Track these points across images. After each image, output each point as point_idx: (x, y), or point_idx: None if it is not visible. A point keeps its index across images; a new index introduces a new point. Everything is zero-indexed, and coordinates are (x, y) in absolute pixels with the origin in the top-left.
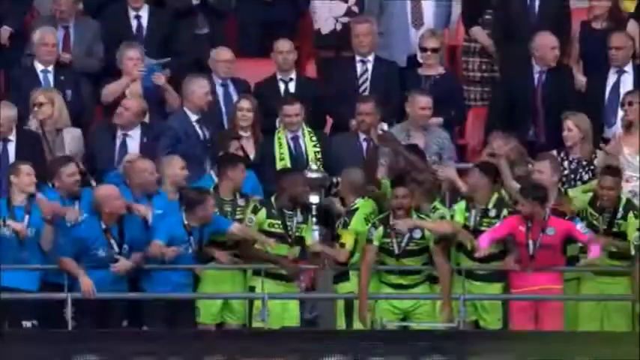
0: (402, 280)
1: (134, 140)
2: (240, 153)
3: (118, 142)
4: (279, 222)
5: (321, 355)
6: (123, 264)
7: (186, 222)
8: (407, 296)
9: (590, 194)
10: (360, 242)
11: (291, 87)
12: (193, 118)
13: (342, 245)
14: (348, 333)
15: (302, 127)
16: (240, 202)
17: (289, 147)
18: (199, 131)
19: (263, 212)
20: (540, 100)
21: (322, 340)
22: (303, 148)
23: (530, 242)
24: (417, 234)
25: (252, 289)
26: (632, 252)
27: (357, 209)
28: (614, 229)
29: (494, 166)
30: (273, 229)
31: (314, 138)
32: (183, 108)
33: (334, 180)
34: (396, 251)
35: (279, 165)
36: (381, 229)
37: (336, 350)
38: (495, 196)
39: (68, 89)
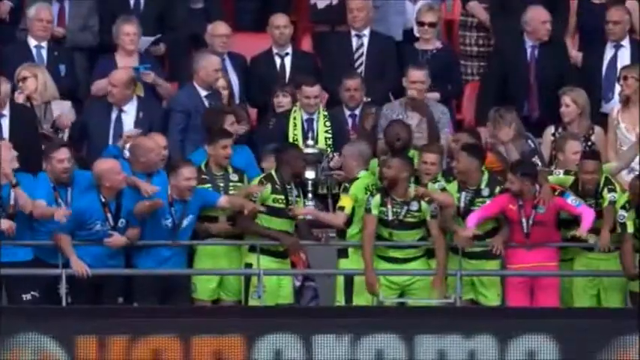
0: (397, 253)
1: (129, 115)
2: (236, 128)
3: (114, 116)
4: (282, 197)
5: (319, 332)
6: (116, 239)
7: (169, 192)
8: (403, 272)
9: (572, 178)
10: (357, 211)
11: (287, 62)
12: (203, 93)
13: (341, 209)
14: (347, 310)
15: (319, 110)
16: (233, 177)
17: (303, 128)
18: (208, 106)
19: (268, 187)
20: (534, 75)
21: (319, 316)
22: (316, 131)
23: (524, 220)
24: (414, 206)
25: (248, 265)
26: (618, 230)
27: (357, 178)
28: (598, 209)
29: (481, 147)
30: (277, 205)
31: (327, 123)
32: (193, 83)
33: (331, 155)
34: (390, 217)
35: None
36: (378, 197)
37: (334, 327)
38: (487, 174)
39: (62, 64)
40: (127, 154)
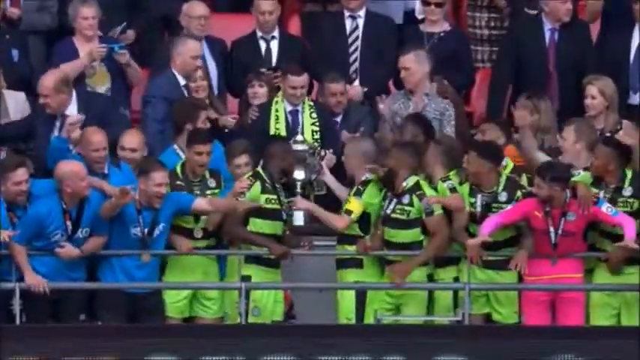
0: (392, 256)
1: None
2: (209, 125)
3: (58, 124)
4: (275, 197)
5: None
6: (68, 250)
7: (137, 197)
8: (411, 285)
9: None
10: (371, 217)
11: (273, 46)
12: (182, 82)
13: (348, 212)
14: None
15: (304, 100)
16: (211, 182)
17: (287, 121)
18: (179, 98)
19: (257, 186)
20: (553, 61)
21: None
22: (301, 125)
23: (552, 230)
24: (405, 199)
25: (245, 278)
26: None
27: (370, 181)
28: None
29: (495, 146)
30: (270, 205)
31: (314, 114)
32: (171, 69)
33: (323, 152)
34: (385, 211)
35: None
36: (383, 192)
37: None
38: (504, 177)
39: (15, 49)
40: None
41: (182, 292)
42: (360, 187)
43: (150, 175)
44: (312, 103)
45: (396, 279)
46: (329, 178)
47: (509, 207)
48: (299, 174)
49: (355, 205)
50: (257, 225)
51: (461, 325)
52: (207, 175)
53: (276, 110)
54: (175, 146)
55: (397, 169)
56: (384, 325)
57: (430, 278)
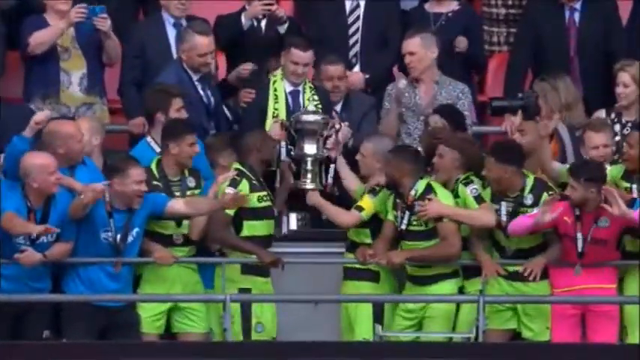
0: (415, 270)
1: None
2: (183, 115)
3: None
4: (265, 193)
5: None
6: (29, 255)
7: (107, 199)
8: (419, 298)
9: (620, 167)
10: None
11: (264, 25)
12: (195, 77)
13: (359, 209)
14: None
15: (305, 81)
16: (190, 182)
17: (287, 102)
18: (202, 93)
19: (245, 185)
20: (575, 44)
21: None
22: (302, 106)
23: (580, 236)
24: (418, 207)
25: (244, 291)
26: None
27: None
28: None
29: (514, 146)
30: (263, 204)
31: (315, 96)
32: (181, 63)
33: (338, 124)
34: (400, 226)
35: (268, 123)
36: (391, 198)
37: None
38: (531, 178)
39: None
40: None
41: (160, 305)
42: (376, 187)
43: (127, 173)
44: (312, 85)
45: (382, 259)
46: (341, 161)
47: (535, 211)
48: (309, 148)
49: (368, 204)
50: (252, 228)
51: (466, 343)
52: (187, 173)
53: (275, 90)
54: (149, 138)
55: (399, 178)
56: (390, 342)
57: (461, 292)
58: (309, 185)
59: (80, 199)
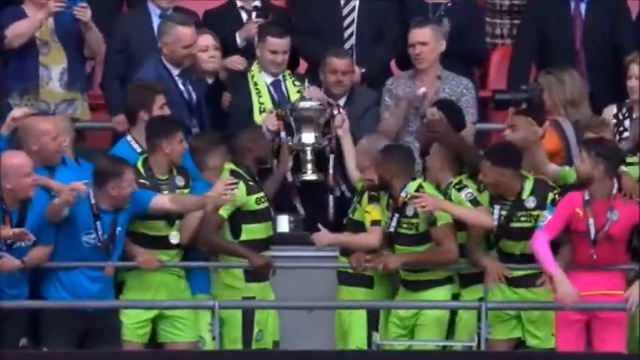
0: (407, 275)
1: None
2: (166, 112)
3: None
4: (262, 194)
5: None
6: (6, 262)
7: (93, 201)
8: (417, 305)
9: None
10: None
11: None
12: (175, 71)
13: (375, 223)
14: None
15: (283, 70)
16: (179, 181)
17: (270, 94)
18: (182, 88)
19: (241, 187)
20: (580, 36)
21: None
22: (286, 96)
23: (592, 229)
24: (410, 210)
25: (248, 299)
26: None
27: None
28: None
29: (511, 147)
30: (261, 206)
31: (296, 82)
32: (160, 57)
33: (336, 109)
34: (389, 228)
35: (258, 119)
36: (385, 198)
37: None
38: (531, 179)
39: None
40: None
41: (144, 312)
42: (374, 192)
43: (123, 177)
44: (290, 72)
45: (378, 264)
46: (347, 140)
47: (549, 216)
48: (308, 137)
49: (378, 214)
50: (251, 231)
51: (469, 352)
52: (175, 172)
53: (255, 84)
54: (129, 137)
55: (388, 178)
56: (386, 351)
57: (455, 299)
58: (310, 176)
59: (54, 202)
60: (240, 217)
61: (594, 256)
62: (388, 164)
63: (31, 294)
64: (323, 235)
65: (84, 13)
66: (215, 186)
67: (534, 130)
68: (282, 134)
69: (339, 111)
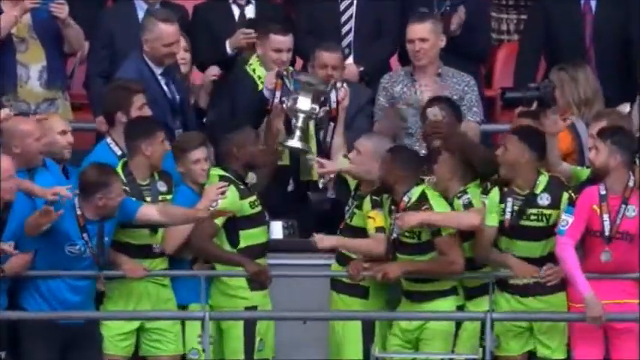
0: (410, 285)
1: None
2: (146, 112)
3: None
4: (255, 198)
5: None
6: None
7: (79, 212)
8: (420, 316)
9: None
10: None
11: (249, 11)
12: (157, 70)
13: (380, 230)
14: None
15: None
16: (161, 186)
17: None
18: (165, 88)
19: (234, 192)
20: (590, 32)
21: None
22: (290, 90)
23: (607, 225)
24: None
25: (251, 309)
26: None
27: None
28: None
29: (541, 134)
30: (256, 209)
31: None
32: (142, 55)
33: (340, 85)
34: (392, 235)
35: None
36: (388, 203)
37: None
38: (546, 175)
39: None
40: None
41: (126, 324)
42: (376, 197)
43: (112, 187)
44: (291, 68)
45: (377, 273)
46: (340, 120)
47: (569, 219)
48: (304, 102)
49: (382, 220)
50: (249, 237)
51: None
52: (157, 176)
53: (259, 77)
54: (109, 140)
55: (391, 182)
56: None
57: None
58: (295, 143)
59: (36, 217)
60: (236, 223)
61: (609, 254)
62: (393, 167)
63: (9, 304)
64: (326, 239)
65: (61, 9)
66: (205, 194)
67: (554, 120)
68: (278, 94)
69: (342, 85)
